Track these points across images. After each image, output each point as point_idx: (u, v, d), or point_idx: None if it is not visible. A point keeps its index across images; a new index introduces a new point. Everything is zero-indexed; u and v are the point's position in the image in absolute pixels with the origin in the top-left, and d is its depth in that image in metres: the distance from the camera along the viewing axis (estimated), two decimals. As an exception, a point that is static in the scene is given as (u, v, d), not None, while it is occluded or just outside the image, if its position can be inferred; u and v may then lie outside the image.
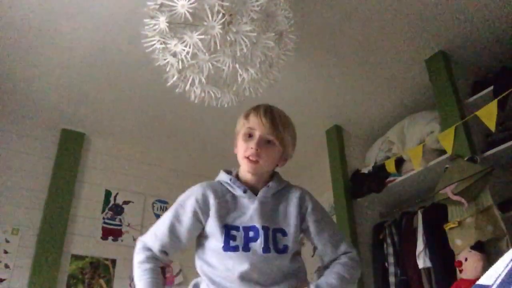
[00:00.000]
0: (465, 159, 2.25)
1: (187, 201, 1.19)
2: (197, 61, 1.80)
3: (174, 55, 1.77)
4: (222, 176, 1.24)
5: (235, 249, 1.11)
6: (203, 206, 1.17)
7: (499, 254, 1.94)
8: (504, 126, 2.37)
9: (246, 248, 1.11)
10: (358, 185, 3.08)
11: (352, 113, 3.26)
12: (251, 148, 1.15)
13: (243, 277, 1.09)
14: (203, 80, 1.87)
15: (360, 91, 3.02)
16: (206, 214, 1.16)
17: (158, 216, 3.45)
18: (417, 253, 2.50)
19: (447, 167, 2.31)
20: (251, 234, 1.13)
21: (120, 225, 3.25)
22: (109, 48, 2.55)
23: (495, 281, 0.51)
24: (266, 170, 1.22)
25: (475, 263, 1.93)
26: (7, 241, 2.80)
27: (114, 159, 3.47)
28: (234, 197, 1.20)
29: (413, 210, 2.79)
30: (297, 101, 3.08)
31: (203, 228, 1.18)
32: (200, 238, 1.21)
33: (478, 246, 1.97)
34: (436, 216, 2.47)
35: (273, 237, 1.14)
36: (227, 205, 1.18)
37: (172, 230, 1.17)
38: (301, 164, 3.87)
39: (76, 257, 3.00)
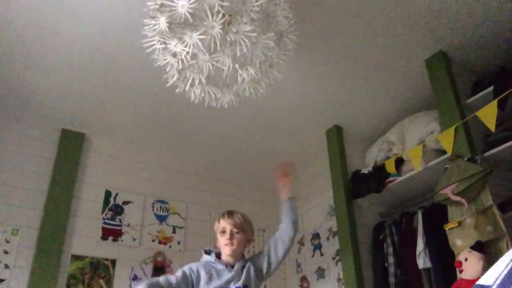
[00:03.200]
0: (465, 159, 2.25)
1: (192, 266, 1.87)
2: (197, 61, 1.80)
3: (174, 55, 1.77)
4: (207, 257, 1.85)
5: None
6: (196, 274, 1.81)
7: (499, 254, 1.94)
8: (504, 126, 2.38)
9: None
10: (358, 185, 3.08)
11: (352, 113, 3.26)
12: (227, 238, 1.83)
13: None
14: (203, 80, 1.87)
15: (360, 91, 3.02)
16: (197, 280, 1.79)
17: (158, 217, 3.46)
18: (417, 253, 2.50)
19: (447, 167, 2.31)
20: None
21: (120, 225, 3.25)
22: (109, 48, 2.55)
23: (495, 281, 0.51)
24: (238, 253, 1.86)
25: (475, 263, 1.93)
26: (7, 242, 2.79)
27: (114, 159, 3.47)
28: (216, 270, 1.81)
29: (413, 210, 2.79)
30: (297, 101, 3.08)
31: None
32: None
33: (478, 246, 1.96)
34: (436, 216, 2.47)
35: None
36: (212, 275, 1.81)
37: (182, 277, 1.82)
38: (301, 164, 3.88)
39: (76, 257, 3.00)
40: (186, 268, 1.80)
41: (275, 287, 3.76)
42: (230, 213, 1.89)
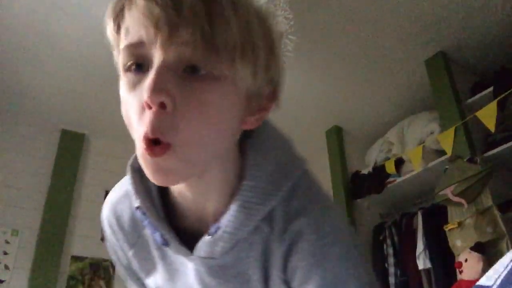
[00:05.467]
0: (465, 160, 2.25)
1: None
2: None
3: (174, 55, 1.77)
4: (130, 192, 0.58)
5: None
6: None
7: (499, 255, 1.94)
8: (504, 127, 2.37)
9: None
10: (358, 186, 3.08)
11: (352, 113, 3.26)
12: (146, 101, 0.43)
13: None
14: (203, 80, 1.87)
15: (360, 91, 3.02)
16: None
17: (158, 217, 3.46)
18: (417, 254, 2.50)
19: (447, 168, 2.31)
20: None
21: (120, 226, 3.25)
22: (109, 48, 2.55)
23: (495, 281, 0.51)
24: (209, 164, 0.50)
25: (475, 264, 1.93)
26: (7, 242, 2.79)
27: (114, 159, 3.46)
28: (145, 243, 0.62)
29: (413, 211, 2.79)
30: (297, 101, 3.08)
31: None
32: None
33: (478, 247, 1.96)
34: (436, 217, 2.47)
35: None
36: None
37: None
38: (301, 164, 3.87)
39: (76, 258, 2.99)
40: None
41: None
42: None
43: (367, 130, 3.41)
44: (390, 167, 2.86)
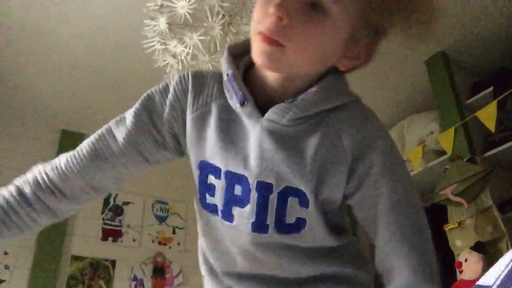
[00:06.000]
0: (465, 160, 2.25)
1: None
2: (197, 62, 1.80)
3: (174, 56, 1.77)
4: (223, 66, 0.67)
5: (213, 210, 0.68)
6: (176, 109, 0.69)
7: (499, 254, 1.94)
8: (504, 127, 2.37)
9: (227, 215, 0.66)
10: (358, 185, 3.08)
11: (352, 113, 3.26)
12: (270, 12, 0.55)
13: (226, 268, 0.70)
14: (203, 80, 1.87)
15: (359, 91, 3.01)
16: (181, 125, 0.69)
17: (157, 217, 3.45)
18: (417, 254, 2.50)
19: (447, 168, 2.31)
20: (237, 190, 0.64)
21: (120, 226, 3.25)
22: (109, 48, 2.55)
23: (495, 281, 0.51)
24: (304, 71, 0.63)
25: (475, 264, 1.93)
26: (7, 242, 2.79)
27: (114, 159, 3.47)
28: (227, 109, 0.66)
29: (413, 210, 2.79)
30: (297, 101, 3.08)
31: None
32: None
33: (478, 247, 1.96)
34: (436, 217, 2.46)
35: (279, 205, 0.62)
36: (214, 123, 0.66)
37: None
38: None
39: (76, 258, 2.99)
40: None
41: None
42: None
43: (367, 130, 3.41)
44: (390, 167, 2.85)
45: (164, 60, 1.82)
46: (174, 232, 3.46)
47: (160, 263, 3.29)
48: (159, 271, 3.25)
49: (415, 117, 2.94)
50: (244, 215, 0.64)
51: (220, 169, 0.65)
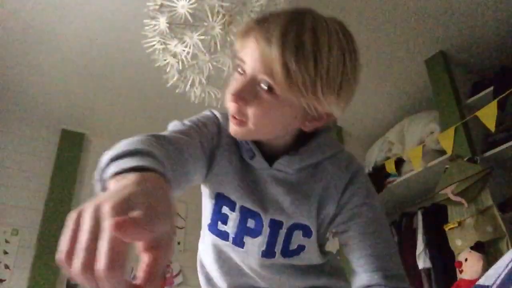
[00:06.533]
0: (465, 159, 2.25)
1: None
2: (197, 62, 1.80)
3: (174, 55, 1.78)
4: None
5: (224, 237, 0.81)
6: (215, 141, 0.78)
7: (499, 254, 1.94)
8: (504, 127, 2.38)
9: (238, 242, 0.80)
10: (358, 185, 3.08)
11: (352, 113, 3.26)
12: (229, 98, 0.67)
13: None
14: (204, 80, 1.87)
15: (360, 91, 3.00)
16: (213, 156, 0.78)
17: (158, 217, 3.45)
18: (417, 254, 2.50)
19: (447, 167, 2.32)
20: (250, 223, 0.78)
21: (120, 226, 3.25)
22: (109, 48, 2.55)
23: (495, 281, 0.51)
24: (272, 136, 0.74)
25: (475, 264, 1.93)
26: (7, 242, 2.79)
27: (114, 159, 3.47)
28: (240, 157, 0.78)
29: (413, 210, 2.79)
30: (297, 101, 3.08)
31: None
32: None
33: (478, 247, 1.97)
34: (436, 217, 2.47)
35: (287, 237, 0.78)
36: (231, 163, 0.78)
37: None
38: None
39: (76, 258, 3.00)
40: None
41: None
42: (265, 20, 0.69)
43: (367, 129, 3.41)
44: (390, 167, 2.86)
45: (164, 60, 1.82)
46: (174, 232, 3.45)
47: (160, 262, 3.28)
48: (159, 270, 3.24)
49: (415, 117, 2.94)
50: (256, 244, 0.79)
51: (235, 203, 0.78)
